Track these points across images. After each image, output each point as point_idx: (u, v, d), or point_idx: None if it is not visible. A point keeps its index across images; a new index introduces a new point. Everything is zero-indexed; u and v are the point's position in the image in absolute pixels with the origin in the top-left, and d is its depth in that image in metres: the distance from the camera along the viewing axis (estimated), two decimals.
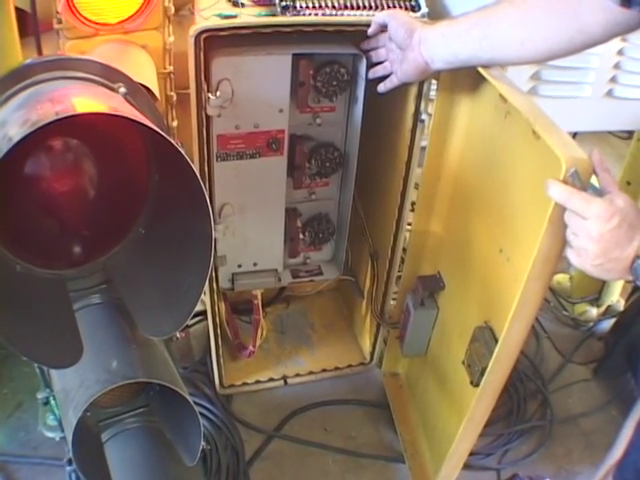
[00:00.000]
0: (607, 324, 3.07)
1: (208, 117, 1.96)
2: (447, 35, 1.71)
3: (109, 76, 1.59)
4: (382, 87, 1.95)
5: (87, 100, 1.43)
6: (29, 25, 2.07)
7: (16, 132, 1.24)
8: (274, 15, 1.89)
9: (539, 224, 1.47)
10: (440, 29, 1.73)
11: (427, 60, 1.77)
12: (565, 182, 1.37)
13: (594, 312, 3.14)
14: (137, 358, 1.73)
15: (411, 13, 1.96)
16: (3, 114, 1.44)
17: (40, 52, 2.00)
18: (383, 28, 1.87)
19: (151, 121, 1.47)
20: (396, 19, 1.82)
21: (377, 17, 1.86)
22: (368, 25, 1.89)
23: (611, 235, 1.30)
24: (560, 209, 1.40)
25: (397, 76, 1.89)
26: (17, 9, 1.99)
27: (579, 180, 1.35)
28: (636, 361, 2.02)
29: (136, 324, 1.67)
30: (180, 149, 1.34)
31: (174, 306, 1.60)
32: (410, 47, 1.78)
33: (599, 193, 1.35)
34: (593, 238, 1.32)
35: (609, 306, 3.14)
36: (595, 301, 3.14)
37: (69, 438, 1.62)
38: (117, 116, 1.29)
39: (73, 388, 1.65)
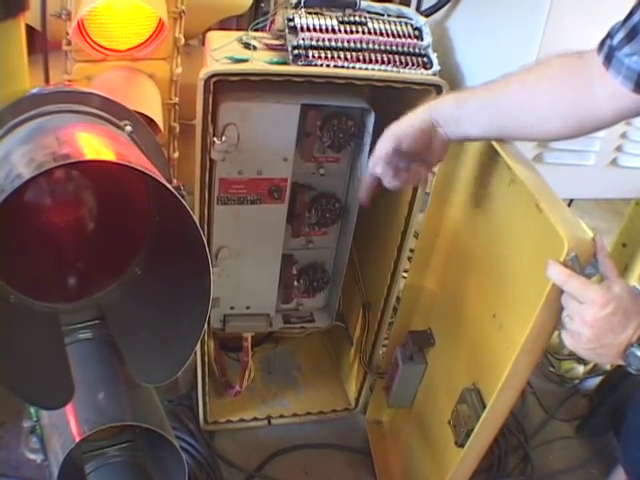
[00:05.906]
0: (593, 382, 3.06)
1: (212, 160, 1.96)
2: (457, 118, 1.63)
3: (116, 112, 1.59)
4: None
5: (95, 144, 1.43)
6: (37, 43, 2.07)
7: (23, 171, 1.24)
8: (285, 63, 1.89)
9: (536, 298, 1.47)
10: (450, 113, 1.64)
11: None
12: (564, 264, 1.38)
13: (580, 370, 3.13)
14: (125, 399, 1.73)
15: (423, 70, 1.96)
16: (7, 145, 1.44)
17: (47, 72, 2.00)
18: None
19: (154, 163, 1.47)
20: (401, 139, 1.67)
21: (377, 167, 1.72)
22: (380, 80, 1.89)
23: (605, 321, 1.30)
24: (558, 288, 1.40)
25: None
26: (26, 26, 1.99)
27: (578, 264, 1.36)
28: (620, 421, 2.03)
29: (126, 363, 1.65)
30: (182, 200, 1.33)
31: (167, 354, 1.58)
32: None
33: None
34: (587, 323, 1.32)
35: (596, 365, 3.13)
36: (582, 359, 3.13)
37: (55, 473, 1.62)
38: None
39: (61, 425, 1.65)
